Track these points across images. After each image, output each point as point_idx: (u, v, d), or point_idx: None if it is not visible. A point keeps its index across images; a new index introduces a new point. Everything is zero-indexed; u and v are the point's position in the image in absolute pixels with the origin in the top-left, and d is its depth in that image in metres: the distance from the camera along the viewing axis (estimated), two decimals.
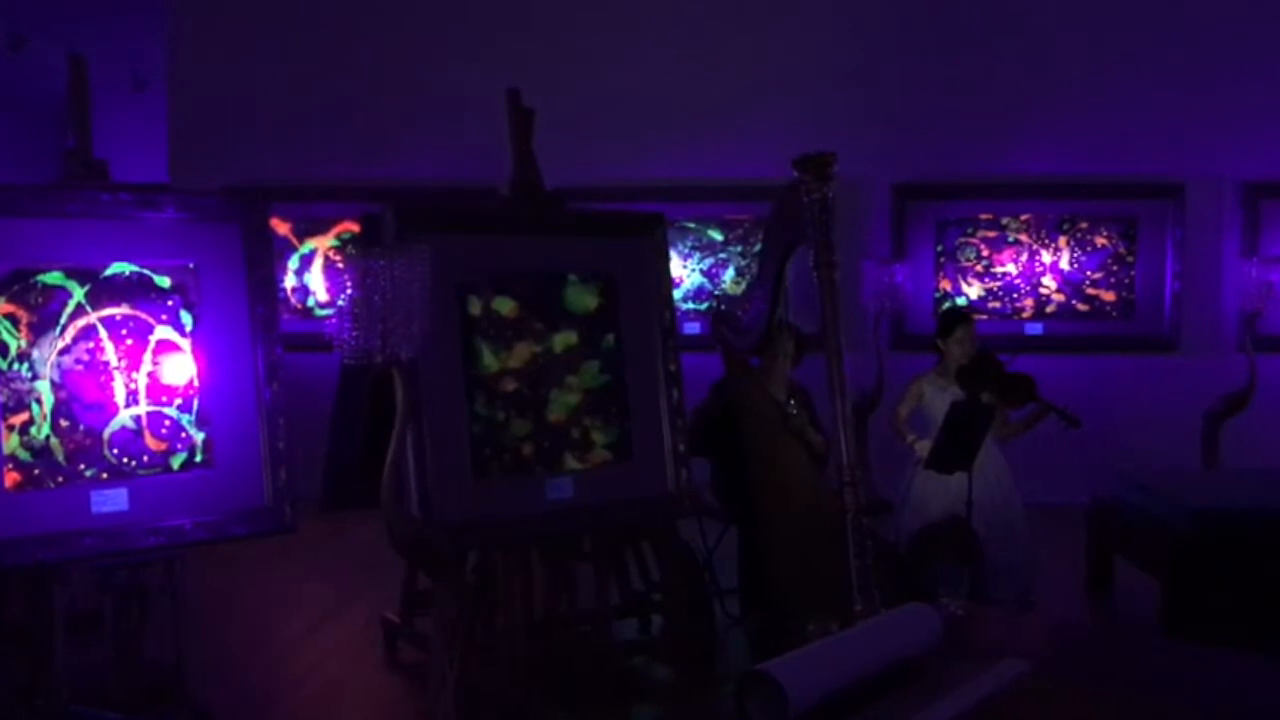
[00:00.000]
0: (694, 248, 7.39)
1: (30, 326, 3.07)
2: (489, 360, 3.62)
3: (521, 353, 3.69)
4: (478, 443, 3.54)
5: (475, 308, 3.62)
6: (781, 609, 3.95)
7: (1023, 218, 7.35)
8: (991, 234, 7.37)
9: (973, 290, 7.38)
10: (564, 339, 3.78)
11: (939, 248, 7.38)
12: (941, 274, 7.38)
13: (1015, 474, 4.90)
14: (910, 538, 4.72)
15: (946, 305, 7.20)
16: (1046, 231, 7.35)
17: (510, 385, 3.65)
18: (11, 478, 3.00)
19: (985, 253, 7.37)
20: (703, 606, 4.33)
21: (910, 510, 4.89)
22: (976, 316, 5.32)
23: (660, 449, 3.87)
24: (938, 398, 4.88)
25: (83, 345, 3.14)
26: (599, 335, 3.84)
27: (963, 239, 7.38)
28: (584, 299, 3.84)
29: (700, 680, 3.94)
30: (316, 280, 7.61)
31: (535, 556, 3.88)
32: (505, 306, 3.68)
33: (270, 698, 3.98)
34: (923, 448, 4.73)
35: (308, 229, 7.59)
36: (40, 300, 3.09)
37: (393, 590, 4.39)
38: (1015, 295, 7.37)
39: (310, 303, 7.61)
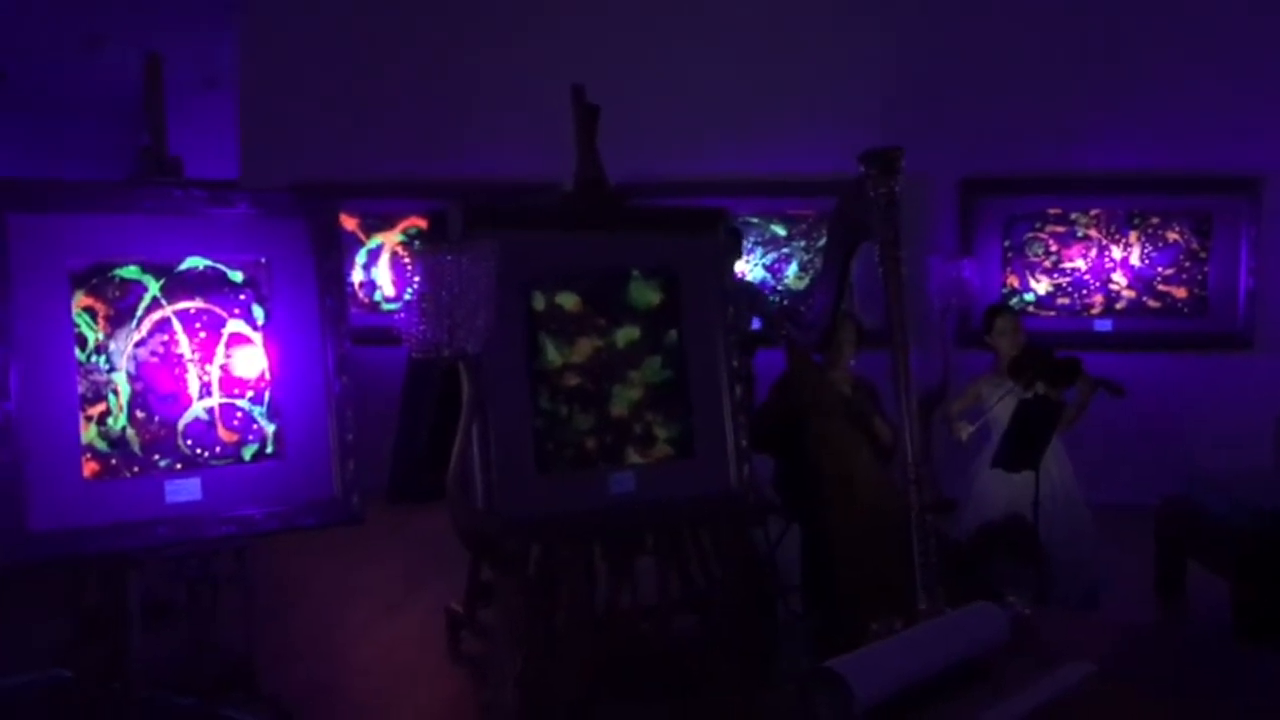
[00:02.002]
0: (757, 243, 7.37)
1: (108, 319, 3.14)
2: (552, 355, 3.64)
3: (584, 348, 3.71)
4: (541, 437, 3.57)
5: (539, 303, 3.64)
6: (845, 607, 3.93)
7: (1092, 213, 7.23)
8: (1060, 229, 7.26)
9: (1040, 286, 7.28)
10: (626, 334, 3.79)
11: (1006, 243, 7.29)
12: (1009, 269, 7.28)
13: (1084, 473, 4.83)
14: (970, 536, 4.68)
15: (1013, 300, 7.11)
16: (1117, 227, 7.23)
17: (573, 380, 3.67)
18: (90, 467, 3.08)
19: (1054, 248, 7.27)
20: (764, 603, 4.31)
21: (971, 508, 4.85)
22: (1044, 313, 5.27)
23: (723, 444, 3.87)
24: (996, 396, 4.83)
25: (158, 338, 3.21)
26: (661, 331, 3.85)
27: (1031, 234, 7.28)
28: (647, 295, 3.85)
29: (762, 677, 3.93)
30: (383, 275, 7.71)
31: (597, 550, 3.90)
32: (569, 302, 3.70)
33: (336, 686, 4.05)
34: (966, 431, 4.71)
35: (374, 224, 7.69)
36: (117, 294, 3.16)
37: (457, 581, 4.43)
38: (1084, 292, 7.26)
39: (377, 297, 7.71)
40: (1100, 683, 2.12)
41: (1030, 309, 7.15)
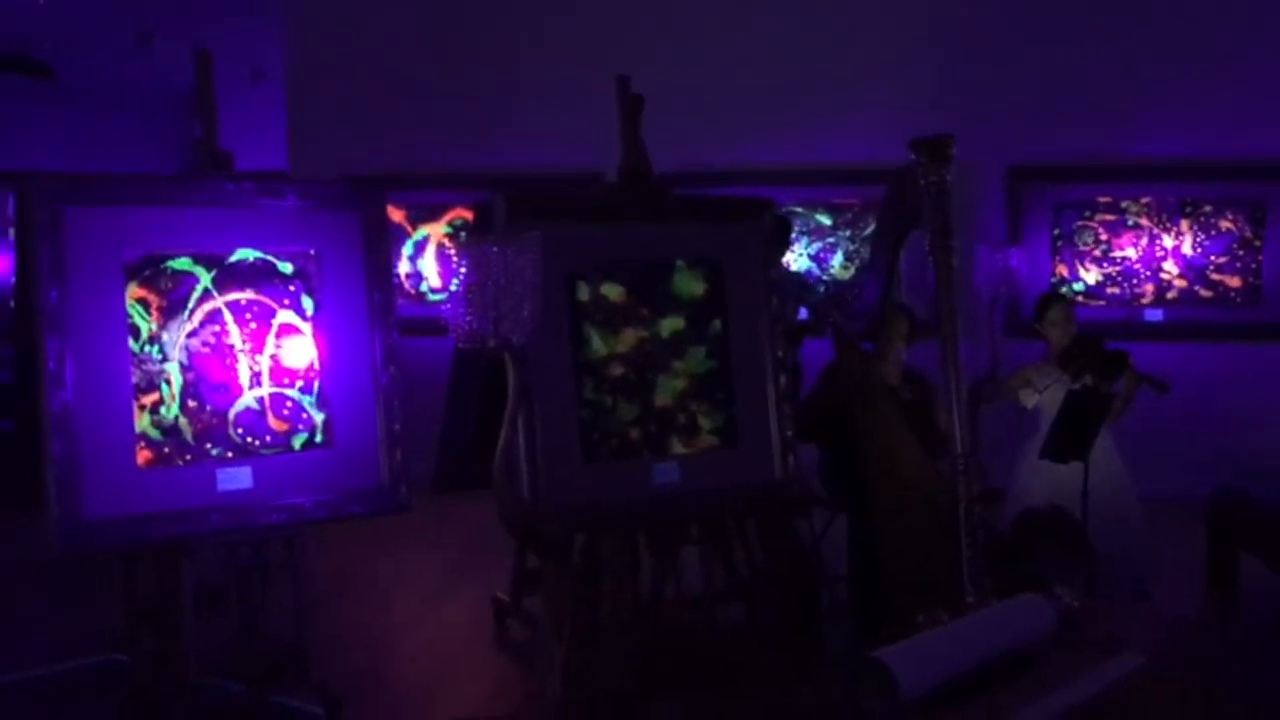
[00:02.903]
0: (802, 232, 7.34)
1: (160, 310, 3.19)
2: (597, 345, 3.65)
3: (629, 338, 3.71)
4: (586, 427, 3.58)
5: (584, 294, 3.65)
6: (891, 598, 3.91)
7: (1143, 201, 7.13)
8: (1110, 218, 7.17)
9: (1090, 275, 7.19)
10: (671, 324, 3.79)
11: (1056, 231, 7.20)
12: (1058, 258, 7.20)
13: (1135, 464, 4.78)
14: (1011, 525, 4.64)
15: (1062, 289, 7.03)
16: (1168, 215, 7.12)
17: (618, 370, 3.68)
18: (143, 455, 3.13)
19: (1104, 237, 7.18)
20: (809, 594, 4.31)
21: (1014, 499, 4.81)
22: (1094, 303, 5.21)
23: (767, 435, 3.86)
24: (1043, 385, 4.78)
25: (209, 328, 3.26)
26: (706, 321, 3.84)
27: (1080, 223, 7.19)
28: (691, 285, 3.84)
29: (806, 667, 3.92)
30: (429, 266, 7.76)
31: (642, 540, 3.91)
32: (613, 292, 3.71)
33: (383, 674, 4.09)
34: (1032, 399, 4.68)
35: (421, 216, 7.74)
36: (170, 285, 3.21)
37: (503, 570, 4.47)
38: (1135, 281, 7.16)
39: (423, 288, 7.77)
40: (1150, 676, 2.09)
41: (1080, 298, 7.07)
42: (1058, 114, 7.09)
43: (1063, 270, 7.21)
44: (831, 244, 7.36)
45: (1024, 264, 6.88)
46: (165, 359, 3.19)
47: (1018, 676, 2.08)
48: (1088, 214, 7.18)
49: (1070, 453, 4.34)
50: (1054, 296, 5.12)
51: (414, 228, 7.77)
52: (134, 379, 3.13)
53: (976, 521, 3.18)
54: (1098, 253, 7.19)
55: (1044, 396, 4.78)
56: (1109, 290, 7.16)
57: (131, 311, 3.14)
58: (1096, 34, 7.08)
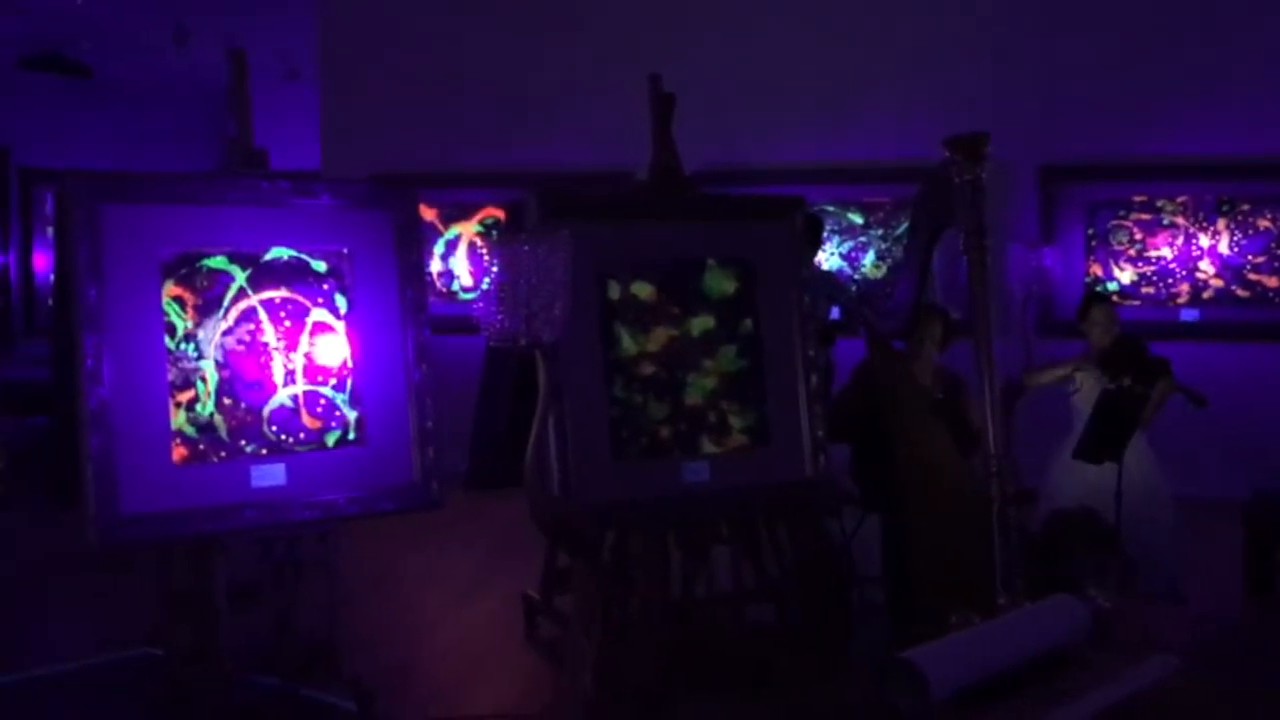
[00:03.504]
0: (834, 231, 7.31)
1: (196, 308, 3.23)
2: (628, 344, 3.66)
3: (659, 337, 3.72)
4: (616, 425, 3.58)
5: (614, 292, 3.66)
6: (923, 598, 3.89)
7: (1179, 199, 7.05)
8: (1145, 216, 7.10)
9: (1125, 275, 7.13)
10: (701, 323, 3.79)
11: (1090, 231, 7.14)
12: (1092, 258, 7.14)
13: (1171, 465, 4.73)
14: (1043, 525, 4.61)
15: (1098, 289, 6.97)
16: (1204, 214, 7.04)
17: (648, 369, 3.68)
18: (179, 452, 3.16)
19: (1138, 236, 7.11)
20: (839, 594, 4.29)
21: (1046, 498, 4.77)
22: (1129, 302, 5.17)
23: (798, 434, 3.85)
24: (1079, 383, 4.75)
25: (244, 326, 3.29)
26: (737, 320, 3.84)
27: (1115, 222, 7.13)
28: (722, 284, 3.84)
29: (837, 667, 3.91)
30: (461, 265, 7.79)
31: (672, 539, 3.91)
32: (644, 291, 3.71)
33: (414, 669, 4.11)
34: (1077, 373, 4.66)
35: (452, 215, 7.78)
36: (205, 283, 3.24)
37: (533, 568, 4.48)
38: (1170, 280, 7.09)
39: (455, 286, 7.80)
40: (1185, 678, 2.07)
41: (1114, 298, 7.00)
42: (1092, 112, 7.03)
43: (1097, 270, 7.15)
44: (863, 243, 7.34)
45: (1058, 263, 6.83)
46: (201, 356, 3.22)
47: (1050, 678, 2.07)
48: (1122, 213, 7.11)
49: (1104, 453, 4.31)
50: (1097, 296, 5.08)
51: (446, 226, 7.80)
52: (170, 376, 3.16)
53: (1009, 522, 3.16)
54: (1132, 252, 7.12)
55: (1079, 395, 4.74)
56: (1144, 290, 7.10)
57: (168, 309, 3.17)
58: (1132, 31, 7.01)
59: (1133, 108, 7.02)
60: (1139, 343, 4.66)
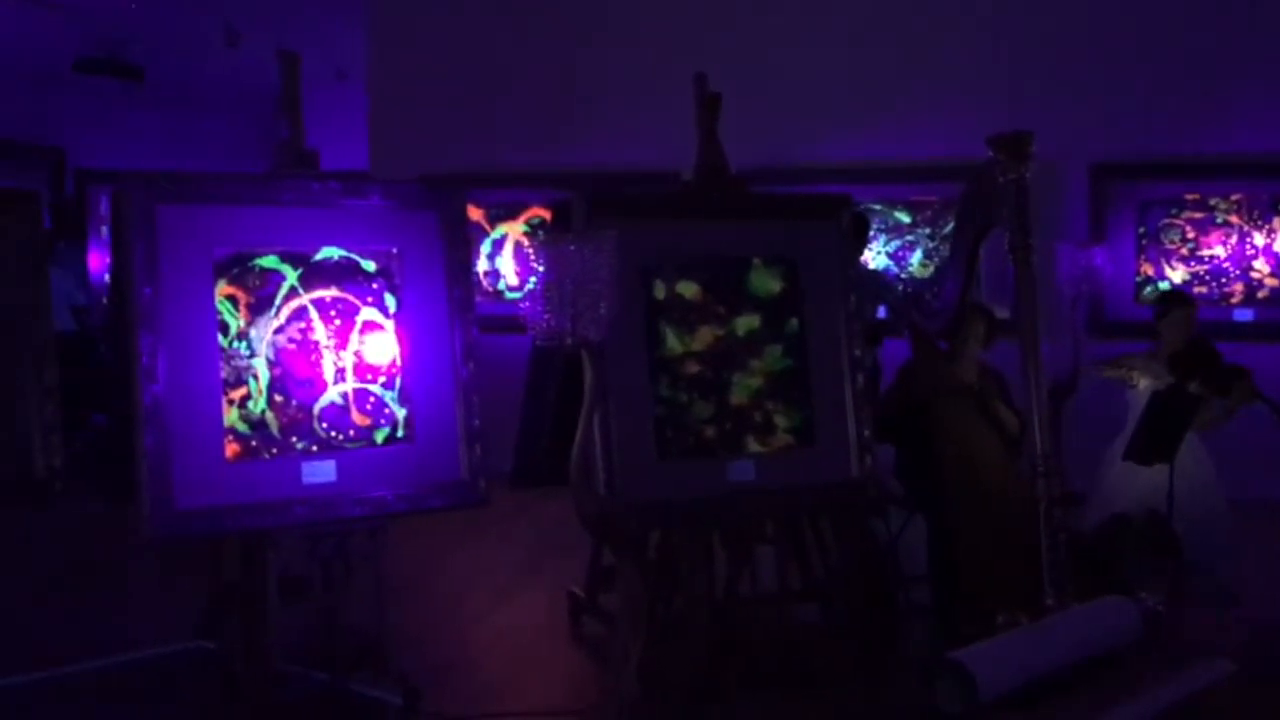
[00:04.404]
0: (880, 230, 7.27)
1: (248, 307, 3.28)
2: (673, 343, 3.66)
3: (704, 336, 3.72)
4: (661, 424, 3.59)
5: (660, 291, 3.66)
6: (969, 599, 3.87)
7: (1233, 198, 6.94)
8: (1198, 215, 6.99)
9: (1177, 274, 7.03)
10: (747, 323, 3.79)
11: (1141, 230, 7.05)
12: (1143, 257, 7.05)
13: (1227, 469, 4.66)
14: (1099, 528, 4.56)
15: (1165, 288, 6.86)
16: (1260, 212, 6.92)
17: (693, 368, 3.69)
18: (231, 449, 3.21)
19: (1191, 235, 7.01)
20: (884, 594, 4.28)
21: (1100, 501, 4.72)
22: None
23: (844, 434, 3.84)
24: (1142, 381, 4.69)
25: (295, 325, 3.33)
26: (782, 319, 3.83)
27: (1166, 220, 7.03)
28: (767, 283, 3.84)
29: (882, 668, 3.90)
30: (507, 264, 7.84)
31: (717, 538, 3.91)
32: (689, 290, 3.72)
33: (460, 666, 4.14)
34: (1136, 378, 4.60)
35: (499, 215, 7.82)
36: (257, 283, 3.29)
37: (579, 566, 4.50)
38: (1223, 280, 6.98)
39: (501, 286, 7.85)
40: (1238, 682, 2.05)
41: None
42: (1143, 109, 6.93)
43: (1148, 269, 7.06)
44: (910, 242, 7.29)
45: (1108, 263, 6.74)
46: (253, 354, 3.27)
47: (1099, 680, 2.05)
48: (1174, 211, 7.01)
49: (1155, 454, 4.26)
50: (1181, 297, 5.01)
51: (492, 226, 7.85)
52: (223, 374, 3.21)
53: (1057, 522, 3.14)
54: (1184, 251, 7.02)
55: (1139, 393, 4.67)
56: (1196, 289, 6.98)
57: (220, 308, 3.22)
58: (1184, 25, 6.91)
59: (1185, 104, 6.91)
60: (1212, 347, 4.58)
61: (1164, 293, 5.08)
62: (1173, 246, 7.03)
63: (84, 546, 5.66)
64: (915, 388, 4.36)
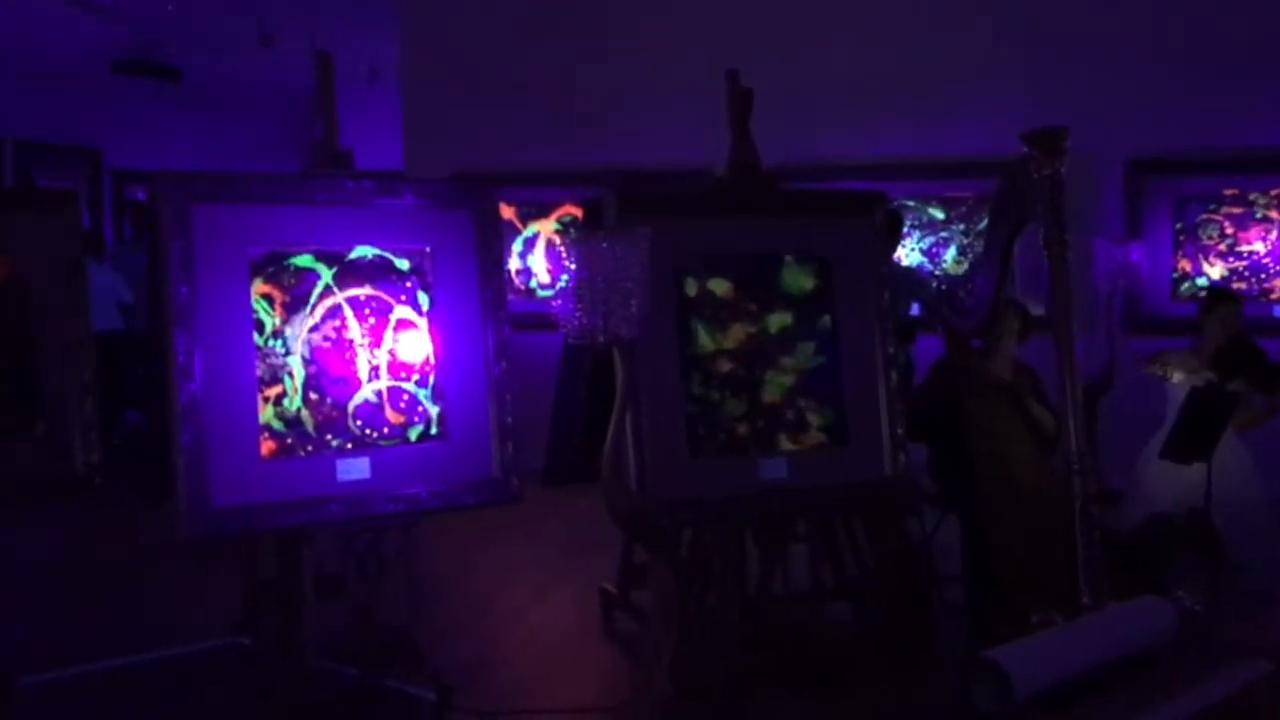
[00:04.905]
0: (914, 226, 7.23)
1: (284, 305, 3.30)
2: (705, 341, 3.66)
3: (737, 333, 3.71)
4: (693, 422, 3.59)
5: (692, 289, 3.66)
6: (1004, 598, 3.85)
7: (1273, 193, 6.84)
8: (1237, 210, 6.90)
9: (1215, 270, 6.94)
10: (779, 320, 3.78)
11: (1178, 225, 6.97)
12: (1180, 253, 6.97)
13: (1266, 465, 4.61)
14: (1139, 527, 4.52)
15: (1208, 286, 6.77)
16: None
17: (725, 366, 3.68)
18: (267, 446, 3.24)
19: (1229, 230, 6.92)
20: (918, 593, 4.26)
21: (1140, 499, 4.68)
22: None
23: (877, 432, 3.82)
24: (1181, 377, 4.65)
25: (330, 323, 3.36)
26: (815, 316, 3.82)
27: (1205, 216, 6.94)
28: (800, 280, 3.82)
29: (916, 667, 3.88)
30: (539, 262, 7.85)
31: (749, 536, 3.91)
32: (721, 288, 3.71)
33: (493, 661, 4.16)
34: (1173, 372, 4.56)
35: (531, 213, 7.84)
36: (293, 281, 3.32)
37: (610, 563, 4.50)
38: (1263, 276, 6.89)
39: (532, 284, 7.86)
40: (1278, 681, 2.03)
41: (1202, 294, 6.83)
42: (1180, 103, 6.85)
43: (1185, 265, 6.98)
44: (944, 238, 7.25)
45: (1145, 259, 6.67)
46: (288, 353, 3.30)
47: (1135, 680, 2.04)
48: (1213, 207, 6.93)
49: (1193, 452, 4.22)
50: (1228, 294, 4.97)
51: (524, 224, 7.87)
52: (258, 372, 3.24)
53: (1092, 521, 3.11)
54: (1223, 247, 6.94)
55: (1178, 389, 4.63)
56: (1235, 285, 6.89)
57: (256, 307, 3.25)
58: (1220, 17, 6.82)
59: (1223, 98, 6.82)
60: (1256, 344, 4.53)
61: (1209, 289, 5.02)
62: (1211, 242, 6.95)
63: (121, 543, 5.73)
64: (949, 385, 4.33)
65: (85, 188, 10.27)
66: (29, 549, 5.32)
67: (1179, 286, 6.90)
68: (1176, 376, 4.75)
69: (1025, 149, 3.28)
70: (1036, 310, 4.70)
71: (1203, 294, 6.68)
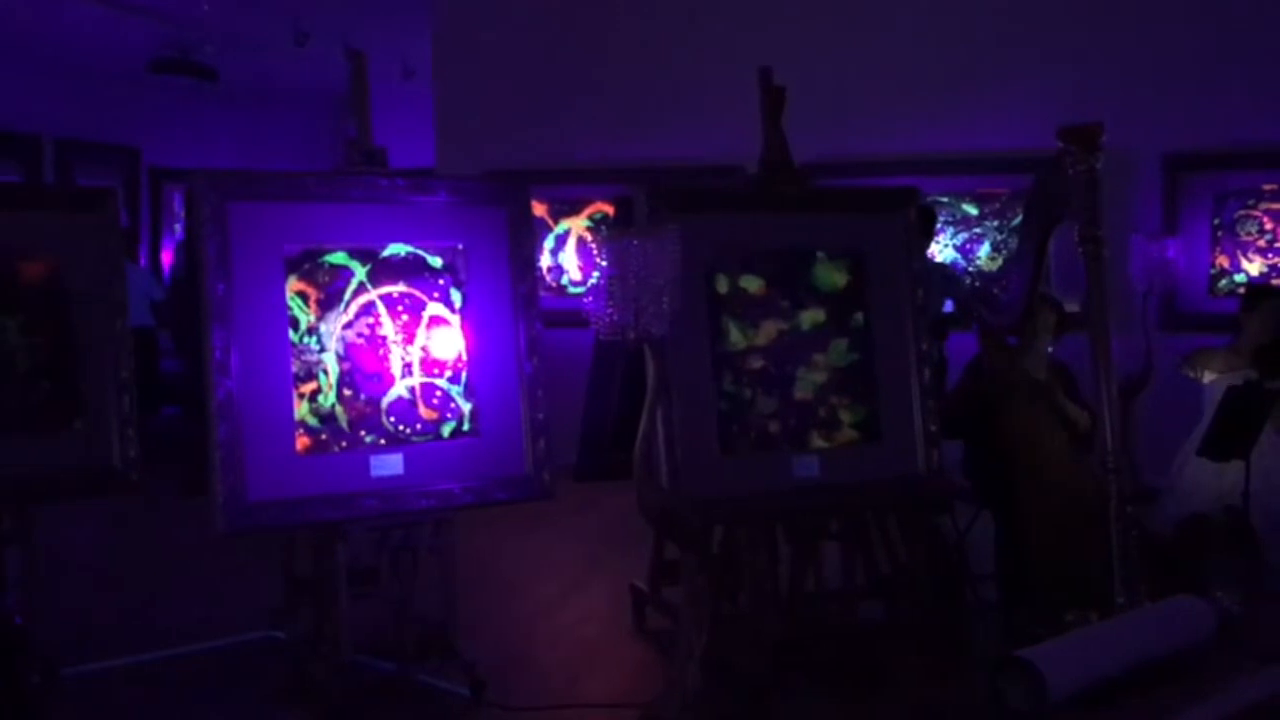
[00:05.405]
0: (947, 223, 7.19)
1: (318, 303, 3.33)
2: (736, 338, 3.66)
3: (768, 330, 3.71)
4: (725, 419, 3.58)
5: (723, 286, 3.66)
6: (1038, 597, 3.82)
7: None
8: (1276, 206, 6.81)
9: (1253, 267, 6.86)
10: (811, 317, 3.77)
11: (1216, 221, 6.89)
12: (1218, 249, 6.89)
13: None
14: (1177, 527, 4.48)
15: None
16: None
17: (757, 363, 3.68)
18: (302, 442, 3.27)
19: (1269, 226, 6.83)
20: (952, 591, 4.24)
21: (1177, 498, 4.63)
22: None
23: (910, 429, 3.81)
24: (1220, 375, 4.60)
25: (364, 320, 3.39)
26: (847, 313, 3.81)
27: (1243, 211, 6.86)
28: (832, 277, 3.82)
29: (949, 666, 3.86)
30: (570, 259, 7.87)
31: (781, 534, 3.90)
32: (753, 285, 3.71)
33: (524, 657, 4.17)
34: (1204, 372, 4.51)
35: (562, 210, 7.85)
36: (327, 279, 3.35)
37: (641, 559, 4.51)
38: None
39: (564, 281, 7.88)
40: None
41: (1240, 291, 6.75)
42: (1218, 97, 6.76)
43: (1223, 261, 6.90)
44: (978, 234, 7.20)
45: (1182, 255, 6.61)
46: (323, 349, 3.33)
47: (1172, 680, 2.02)
48: (1251, 202, 6.84)
49: (1230, 451, 4.17)
50: (1268, 290, 4.91)
51: (555, 222, 7.88)
52: (294, 369, 3.27)
53: (1128, 521, 3.09)
54: (1262, 243, 6.85)
55: (1217, 388, 4.58)
56: (1274, 282, 6.81)
57: (291, 304, 3.28)
58: (1259, 10, 6.73)
59: (1261, 92, 6.73)
60: None
61: (1250, 286, 4.96)
62: (1249, 238, 6.86)
63: (158, 537, 5.79)
64: (983, 382, 4.31)
65: (123, 186, 10.38)
66: (68, 543, 5.38)
67: (1216, 283, 6.82)
68: (1207, 376, 4.70)
69: (1060, 144, 3.26)
70: (1072, 307, 4.66)
71: (1241, 290, 6.61)
